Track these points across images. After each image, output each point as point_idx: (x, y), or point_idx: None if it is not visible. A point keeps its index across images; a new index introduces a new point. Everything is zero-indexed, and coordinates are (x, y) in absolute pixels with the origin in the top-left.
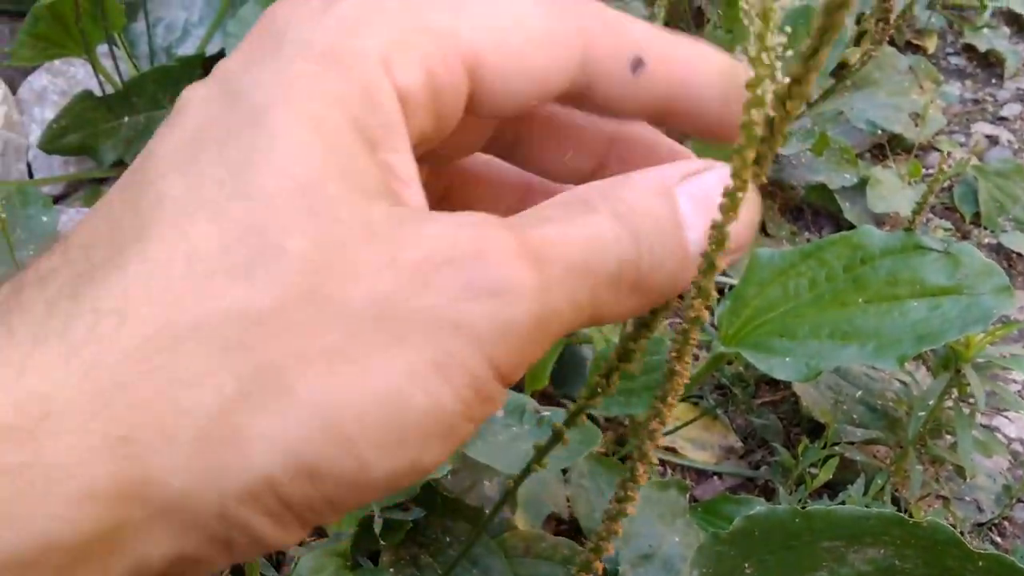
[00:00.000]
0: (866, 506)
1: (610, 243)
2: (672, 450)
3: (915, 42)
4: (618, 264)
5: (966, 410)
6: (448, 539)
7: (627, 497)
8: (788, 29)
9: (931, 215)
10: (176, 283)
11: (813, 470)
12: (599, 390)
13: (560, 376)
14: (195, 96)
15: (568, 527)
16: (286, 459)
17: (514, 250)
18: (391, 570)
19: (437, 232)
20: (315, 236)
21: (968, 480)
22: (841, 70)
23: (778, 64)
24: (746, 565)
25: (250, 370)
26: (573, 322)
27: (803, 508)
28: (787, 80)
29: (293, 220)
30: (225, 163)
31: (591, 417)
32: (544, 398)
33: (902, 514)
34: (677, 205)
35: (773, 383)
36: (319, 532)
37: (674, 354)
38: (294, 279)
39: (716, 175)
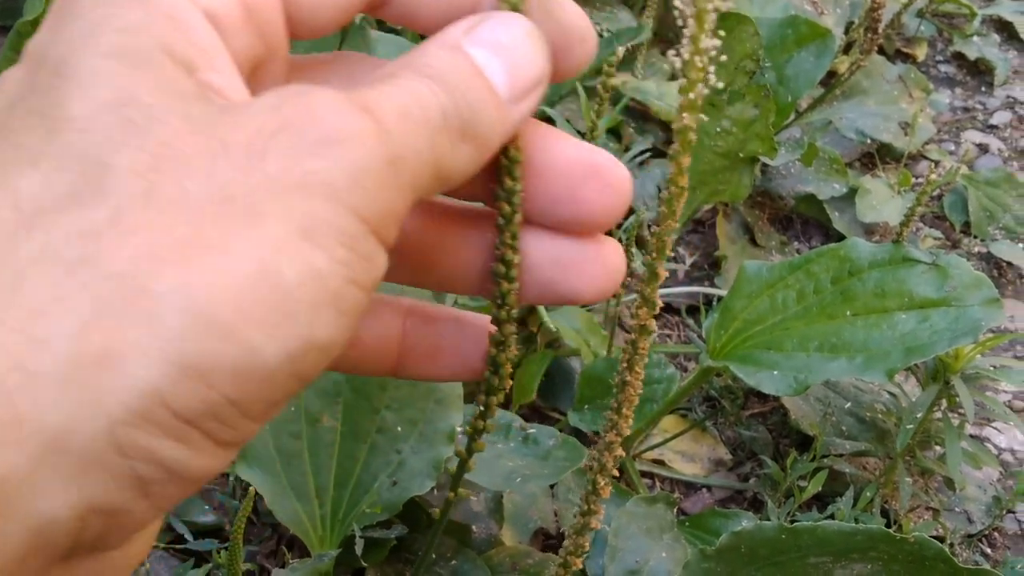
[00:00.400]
0: (855, 519)
1: (428, 97)
2: (660, 463)
3: (904, 50)
4: (442, 113)
5: (955, 421)
6: (433, 556)
7: (591, 511)
8: (722, 33)
9: (921, 224)
10: (7, 230)
11: (802, 483)
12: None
13: (548, 389)
14: (7, 76)
15: (556, 542)
16: (166, 365)
17: (344, 104)
18: None
19: (261, 107)
20: (138, 143)
21: (958, 492)
22: (830, 79)
23: (711, 68)
24: None
25: (102, 284)
26: (419, 171)
27: (792, 521)
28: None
29: (111, 135)
30: (36, 114)
31: (578, 432)
32: (532, 411)
33: (889, 530)
34: (470, 55)
35: (761, 395)
36: (303, 552)
37: (624, 365)
38: (125, 188)
39: (493, 21)
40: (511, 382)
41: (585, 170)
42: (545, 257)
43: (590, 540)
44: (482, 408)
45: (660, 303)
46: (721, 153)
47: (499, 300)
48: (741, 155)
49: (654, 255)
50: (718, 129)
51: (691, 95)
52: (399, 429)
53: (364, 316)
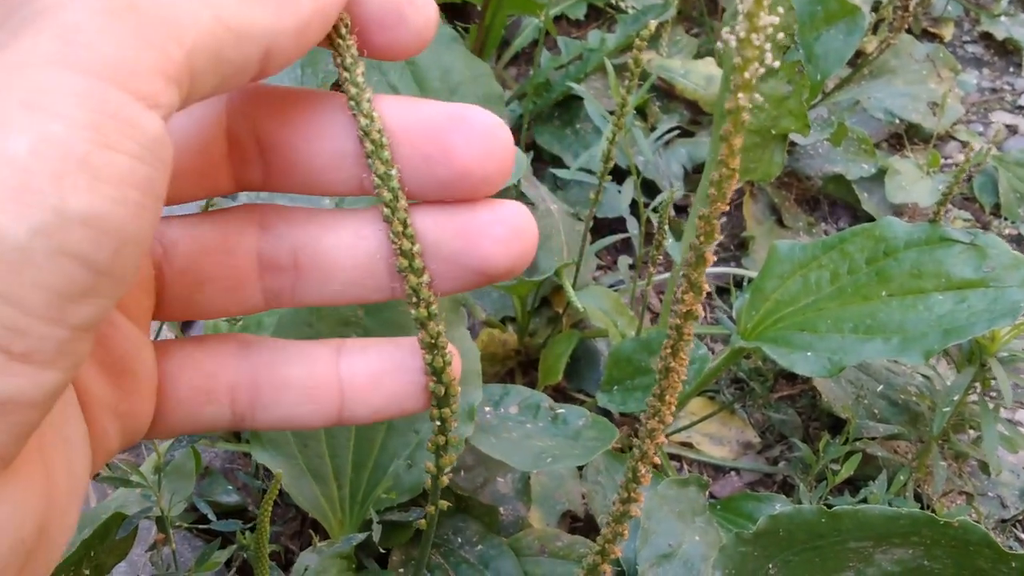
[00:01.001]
0: (889, 503)
1: None
2: (689, 446)
3: (931, 30)
4: None
5: (991, 405)
6: (459, 539)
7: (631, 498)
8: (781, 10)
9: (950, 205)
10: None
11: (834, 466)
12: None
13: (574, 371)
14: None
15: (583, 524)
16: None
17: None
18: (400, 570)
19: None
20: None
21: (993, 476)
22: (857, 58)
23: (768, 47)
24: (770, 566)
25: None
26: (185, 19)
27: (827, 506)
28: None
29: None
30: None
31: (606, 413)
32: (558, 393)
33: (932, 514)
34: None
35: (791, 377)
36: (327, 534)
37: (668, 351)
38: None
39: None
40: (458, 388)
41: (447, 121)
42: (444, 233)
43: (628, 528)
44: (438, 423)
45: (707, 287)
46: (753, 130)
47: (413, 297)
48: (773, 132)
49: (702, 239)
50: (749, 104)
51: (746, 74)
52: None
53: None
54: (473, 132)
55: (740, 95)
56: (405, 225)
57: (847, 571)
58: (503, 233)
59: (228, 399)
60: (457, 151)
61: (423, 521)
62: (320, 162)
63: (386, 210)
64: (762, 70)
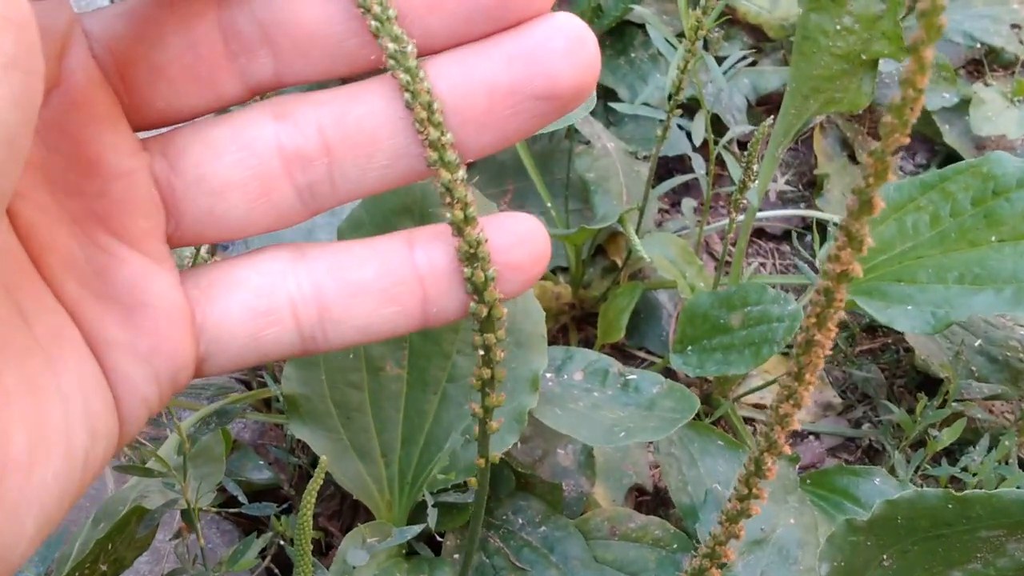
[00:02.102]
0: (993, 469)
1: None
2: (762, 407)
3: None
4: None
5: None
6: (520, 520)
7: (752, 495)
8: None
9: None
10: None
11: (931, 431)
12: None
13: (634, 327)
14: None
15: (651, 499)
16: None
17: None
18: (455, 556)
19: None
20: None
21: None
22: None
23: None
24: (884, 557)
25: None
26: None
27: (923, 476)
28: None
29: None
30: None
31: (670, 373)
32: (616, 351)
33: None
34: None
35: (871, 329)
36: (368, 514)
37: (813, 320)
38: None
39: None
40: (503, 309)
41: None
42: (499, 64)
43: (744, 528)
44: (482, 352)
45: (871, 241)
46: (840, 55)
47: (447, 196)
48: (864, 57)
49: (870, 180)
50: (838, 27)
51: None
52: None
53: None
54: None
55: None
56: (418, 80)
57: (974, 562)
58: (563, 44)
59: (292, 317)
60: None
61: (473, 480)
62: (336, 29)
63: (401, 75)
64: None
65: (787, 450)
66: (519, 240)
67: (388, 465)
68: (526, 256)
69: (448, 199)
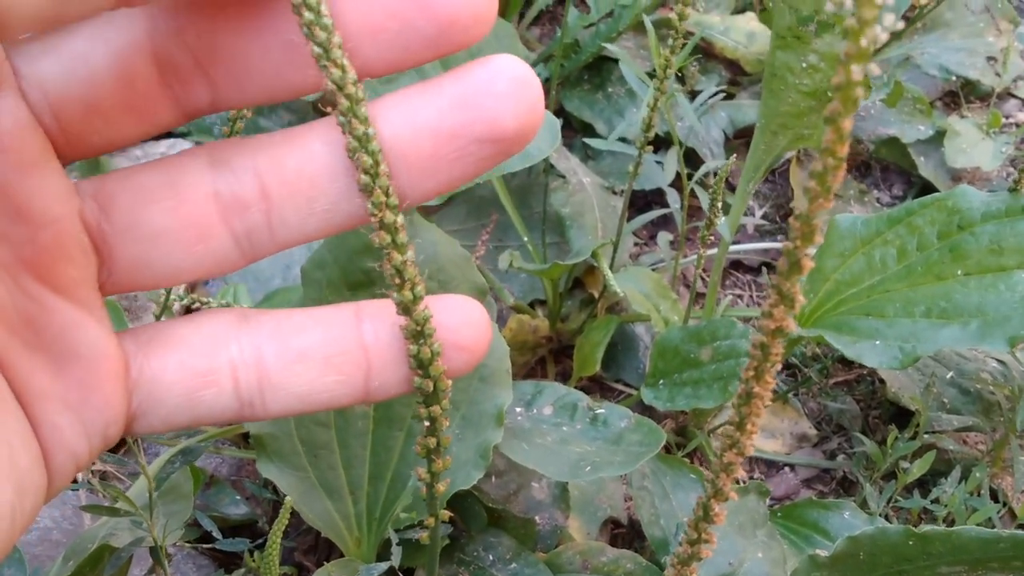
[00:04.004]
0: (964, 501)
1: None
2: None
3: None
4: None
5: None
6: (491, 556)
7: (701, 539)
8: None
9: (1010, 168)
10: None
11: (902, 463)
12: None
13: (612, 359)
14: None
15: (627, 531)
16: None
17: None
18: None
19: None
20: None
21: None
22: (910, 10)
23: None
24: None
25: None
26: None
27: (895, 508)
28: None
29: None
30: None
31: (648, 411)
32: (593, 383)
33: None
34: None
35: (847, 360)
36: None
37: (751, 373)
38: None
39: None
40: (448, 382)
41: None
42: (439, 109)
43: (698, 571)
44: (427, 422)
45: (802, 299)
46: (807, 92)
47: (396, 277)
48: (831, 95)
49: (798, 243)
50: (804, 65)
51: (862, 40)
52: None
53: None
54: None
55: (854, 67)
56: (365, 121)
57: None
58: (506, 86)
59: (230, 379)
60: None
61: (425, 535)
62: (274, 58)
63: (344, 105)
64: (884, 35)
65: (733, 496)
66: (465, 321)
67: (356, 502)
68: (471, 337)
69: (398, 280)
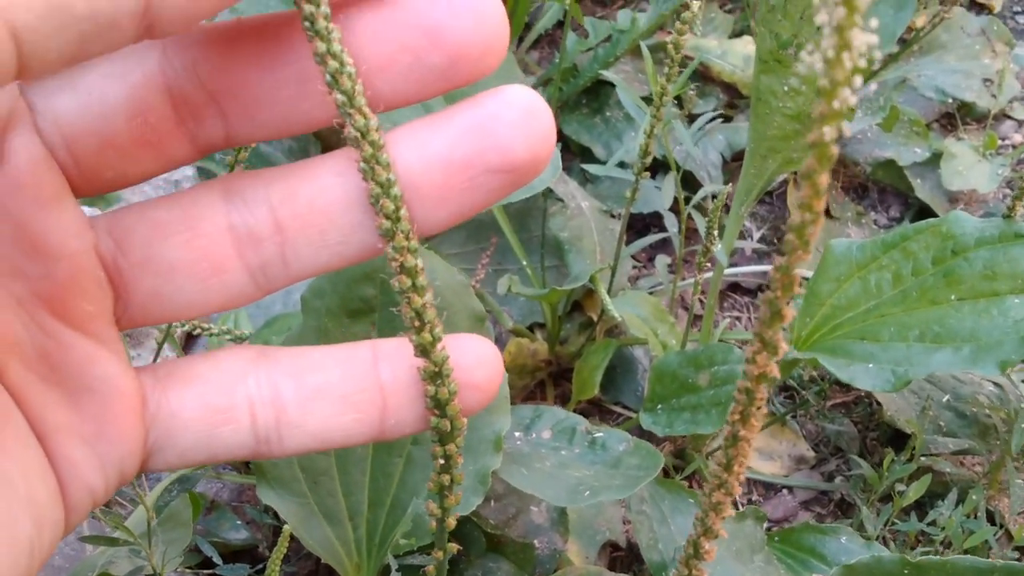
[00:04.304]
0: (961, 524)
1: None
2: None
3: (979, 1)
4: None
5: None
6: None
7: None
8: (875, 22)
9: (1007, 190)
10: None
11: (899, 486)
12: None
13: (611, 382)
14: None
15: (625, 555)
16: None
17: None
18: None
19: None
20: None
21: None
22: (906, 33)
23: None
24: None
25: None
26: None
27: (892, 530)
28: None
29: None
30: None
31: (647, 434)
32: (592, 406)
33: None
34: None
35: (845, 383)
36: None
37: (737, 416)
38: None
39: None
40: (464, 421)
41: (426, 5)
42: (451, 139)
43: None
44: (442, 460)
45: (785, 347)
46: (792, 115)
47: (416, 320)
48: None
49: (778, 293)
50: (785, 88)
51: (835, 102)
52: None
53: None
54: (457, 4)
55: (826, 128)
56: (376, 155)
57: None
58: (516, 116)
59: (248, 416)
60: (445, 31)
61: (432, 568)
62: (287, 92)
63: (355, 133)
64: (853, 98)
65: (723, 534)
66: (479, 362)
67: (355, 528)
68: (485, 377)
69: (417, 323)
